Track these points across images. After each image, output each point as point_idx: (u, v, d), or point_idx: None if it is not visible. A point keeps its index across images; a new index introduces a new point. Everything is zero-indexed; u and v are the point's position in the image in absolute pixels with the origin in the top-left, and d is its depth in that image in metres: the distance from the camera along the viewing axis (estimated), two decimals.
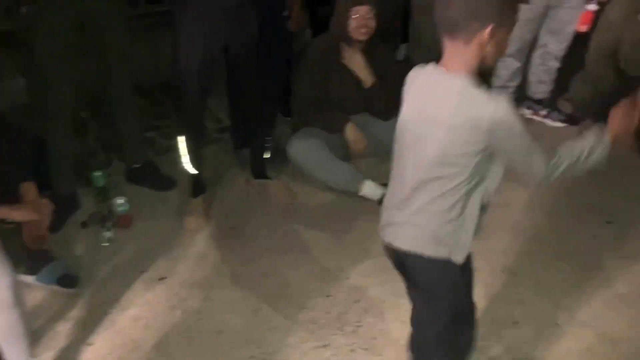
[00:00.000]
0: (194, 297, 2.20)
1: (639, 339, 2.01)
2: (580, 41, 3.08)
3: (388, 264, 2.31)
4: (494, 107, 1.24)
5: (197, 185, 2.61)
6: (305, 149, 2.65)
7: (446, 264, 1.42)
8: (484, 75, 1.34)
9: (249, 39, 2.35)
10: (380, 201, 2.61)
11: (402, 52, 3.78)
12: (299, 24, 2.87)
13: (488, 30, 1.23)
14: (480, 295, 2.17)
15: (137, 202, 2.67)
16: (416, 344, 1.66)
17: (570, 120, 3.32)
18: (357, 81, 2.74)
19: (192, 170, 2.56)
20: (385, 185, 2.65)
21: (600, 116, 3.21)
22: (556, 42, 3.16)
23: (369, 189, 2.64)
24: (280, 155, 2.90)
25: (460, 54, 1.26)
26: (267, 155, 2.79)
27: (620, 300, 2.18)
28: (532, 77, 3.34)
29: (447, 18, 1.26)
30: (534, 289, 2.22)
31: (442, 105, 1.29)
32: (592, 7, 2.95)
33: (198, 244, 2.47)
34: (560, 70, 3.28)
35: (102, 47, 2.45)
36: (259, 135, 2.73)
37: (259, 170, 2.76)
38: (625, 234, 2.51)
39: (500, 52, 1.30)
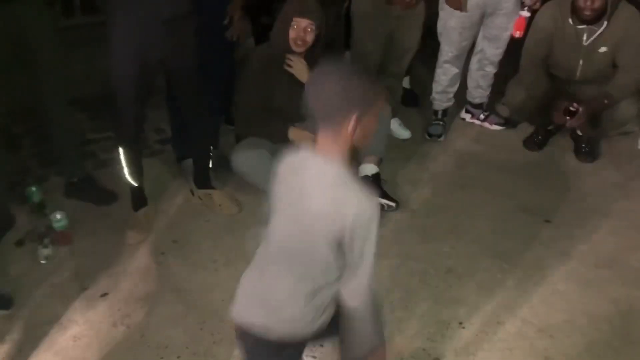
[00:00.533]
0: (137, 313, 2.15)
1: (577, 333, 2.09)
2: (516, 47, 3.19)
3: None
4: (358, 204, 1.28)
5: (138, 198, 2.56)
6: (249, 158, 2.64)
7: None
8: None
9: (187, 50, 2.32)
10: None
11: (346, 59, 3.82)
12: (239, 33, 2.86)
13: (353, 119, 1.29)
14: (425, 297, 2.23)
15: (77, 218, 2.59)
16: None
17: (508, 123, 3.43)
18: (301, 89, 2.74)
19: (132, 182, 2.50)
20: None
21: (534, 119, 3.35)
22: (492, 48, 3.26)
23: None
24: (225, 164, 2.87)
25: (332, 140, 1.32)
26: (210, 165, 2.75)
27: (558, 296, 2.25)
28: (470, 83, 3.43)
29: (316, 111, 1.32)
30: (476, 290, 2.28)
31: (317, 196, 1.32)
32: (525, 13, 3.05)
33: (140, 259, 2.42)
34: (497, 75, 3.39)
35: (32, 60, 2.37)
36: (202, 145, 2.69)
37: (203, 181, 2.72)
38: (562, 232, 2.60)
39: (368, 135, 1.36)
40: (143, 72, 2.25)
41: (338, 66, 1.36)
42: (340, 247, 1.31)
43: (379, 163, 2.79)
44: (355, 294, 1.36)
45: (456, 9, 3.02)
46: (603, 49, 2.91)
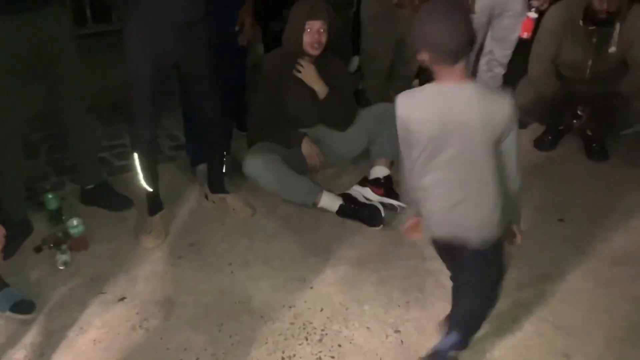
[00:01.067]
0: (156, 316, 2.16)
1: (595, 331, 2.08)
2: (524, 48, 3.20)
3: (350, 272, 2.36)
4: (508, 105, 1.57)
5: (154, 203, 2.58)
6: (260, 164, 2.66)
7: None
8: None
9: (201, 55, 2.35)
10: (339, 212, 2.64)
11: (354, 63, 3.86)
12: (250, 38, 2.89)
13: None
14: (440, 297, 2.23)
15: (93, 224, 2.62)
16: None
17: (521, 124, 3.43)
18: (312, 94, 2.77)
19: (147, 187, 2.53)
20: (343, 195, 2.70)
21: (545, 120, 3.35)
22: (501, 49, 3.28)
23: (327, 200, 2.67)
24: (238, 169, 2.89)
25: (461, 70, 1.57)
26: (224, 170, 2.77)
27: (575, 294, 2.25)
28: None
29: (450, 50, 1.54)
30: None
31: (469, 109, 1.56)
32: (533, 14, 3.07)
33: (157, 262, 2.44)
34: (506, 76, 3.40)
35: (53, 70, 2.40)
36: (215, 150, 2.72)
37: (217, 185, 2.74)
38: (576, 230, 2.60)
39: None
40: (158, 77, 2.28)
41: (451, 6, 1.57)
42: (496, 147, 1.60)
43: (390, 165, 2.81)
44: (517, 174, 1.69)
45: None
46: (612, 49, 2.92)
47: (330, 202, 2.66)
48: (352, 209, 2.65)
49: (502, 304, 2.17)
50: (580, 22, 2.91)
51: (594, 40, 2.92)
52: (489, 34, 3.25)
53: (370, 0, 3.03)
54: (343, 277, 2.35)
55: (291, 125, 2.79)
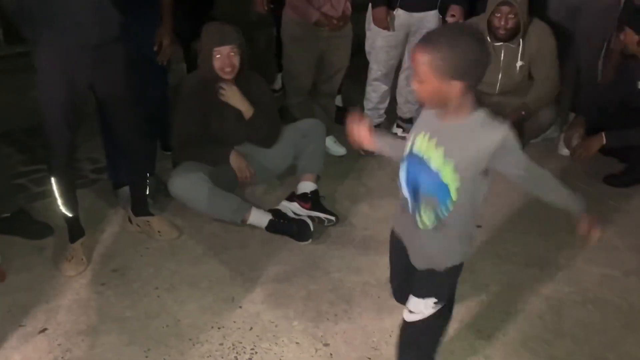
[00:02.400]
0: (79, 347, 2.10)
1: (512, 330, 2.19)
2: None
3: (278, 289, 2.38)
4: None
5: (74, 229, 2.51)
6: (187, 183, 2.64)
7: None
8: None
9: (116, 77, 2.31)
10: (268, 227, 2.66)
11: (279, 81, 3.90)
12: (168, 58, 2.87)
13: None
14: (367, 307, 2.28)
15: (10, 254, 2.51)
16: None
17: None
18: (236, 114, 2.78)
19: (67, 213, 2.46)
20: (272, 211, 2.72)
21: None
22: None
23: (256, 216, 2.68)
24: (162, 190, 2.86)
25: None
26: (147, 192, 2.73)
27: (492, 297, 2.36)
28: (400, 98, 3.57)
29: (479, 78, 1.49)
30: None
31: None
32: None
33: (80, 291, 2.37)
34: None
35: None
36: (138, 172, 2.67)
37: (140, 208, 2.70)
38: (493, 235, 2.73)
39: None
40: (72, 99, 2.23)
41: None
42: None
43: (316, 180, 2.86)
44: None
45: (383, 28, 3.15)
46: (520, 64, 3.11)
47: (259, 218, 2.67)
48: (281, 225, 2.68)
49: None
50: (488, 39, 3.08)
51: (502, 56, 3.10)
52: (407, 50, 3.37)
53: (290, 21, 3.08)
54: (272, 294, 2.37)
55: (216, 144, 2.79)
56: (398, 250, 1.77)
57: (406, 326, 1.75)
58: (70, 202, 2.45)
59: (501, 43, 3.07)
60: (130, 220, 2.73)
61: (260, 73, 2.98)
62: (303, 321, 2.23)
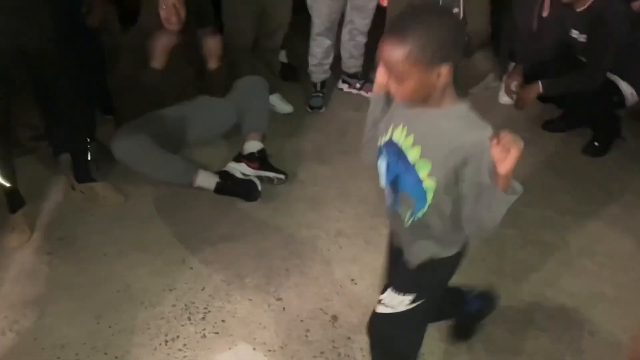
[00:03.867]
0: (28, 317, 2.07)
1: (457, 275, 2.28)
2: (384, 15, 3.33)
3: (229, 248, 2.39)
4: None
5: (14, 199, 2.43)
6: (131, 145, 2.57)
7: None
8: None
9: (43, 38, 2.21)
10: (216, 189, 2.64)
11: None
12: (100, 19, 2.75)
13: None
14: (318, 261, 2.33)
15: None
16: None
17: None
18: (180, 65, 2.72)
19: (4, 183, 2.37)
20: (219, 173, 2.70)
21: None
22: (361, 19, 3.39)
23: (204, 178, 2.65)
24: (105, 155, 2.79)
25: None
26: (89, 158, 2.66)
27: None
28: (344, 53, 3.55)
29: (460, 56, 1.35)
30: (365, 247, 2.42)
31: None
32: None
33: (25, 262, 2.31)
34: (368, 45, 3.52)
35: None
36: (78, 138, 2.60)
37: (83, 175, 2.63)
38: None
39: None
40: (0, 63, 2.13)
41: None
42: None
43: (262, 139, 2.84)
44: None
45: None
46: (455, 10, 3.13)
47: (207, 180, 2.65)
48: (230, 186, 2.66)
49: (375, 261, 2.33)
50: None
51: (440, 2, 3.10)
52: (349, 3, 3.34)
53: None
54: (222, 254, 2.38)
55: (162, 100, 2.72)
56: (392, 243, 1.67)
57: (374, 317, 1.62)
58: (7, 171, 2.37)
59: None
60: (73, 187, 2.67)
61: (200, 29, 2.90)
62: (255, 278, 2.26)
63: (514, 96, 3.16)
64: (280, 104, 3.41)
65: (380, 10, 3.35)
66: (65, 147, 2.73)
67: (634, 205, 2.66)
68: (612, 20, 2.80)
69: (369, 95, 3.58)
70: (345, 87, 3.64)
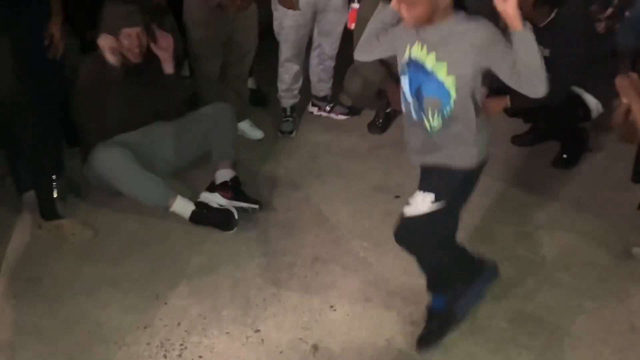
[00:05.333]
0: None
1: None
2: (351, 38, 3.34)
3: (204, 280, 2.34)
4: None
5: None
6: (113, 156, 2.50)
7: None
8: None
9: (4, 72, 2.16)
10: (191, 218, 2.59)
11: (186, 68, 3.78)
12: (61, 51, 2.70)
13: None
14: (295, 289, 2.29)
15: None
16: None
17: (352, 111, 3.61)
18: (139, 94, 2.69)
19: None
20: (195, 203, 2.64)
21: (374, 104, 3.52)
22: (328, 43, 3.41)
23: (181, 204, 2.60)
24: (73, 190, 2.73)
25: None
26: (55, 194, 2.58)
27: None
28: (313, 77, 3.56)
29: None
30: (343, 272, 2.39)
31: None
32: (355, 5, 3.23)
33: None
34: (336, 68, 3.54)
35: None
36: (43, 174, 2.53)
37: (50, 211, 2.56)
38: None
39: None
40: None
41: None
42: None
43: (234, 167, 2.81)
44: None
45: (289, 8, 3.11)
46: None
47: (183, 206, 2.59)
48: (206, 215, 2.61)
49: (353, 285, 2.31)
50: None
51: None
52: (316, 29, 3.35)
53: (192, 4, 2.98)
54: (197, 287, 2.32)
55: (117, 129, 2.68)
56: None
57: (404, 221, 1.85)
58: None
59: None
60: (40, 226, 2.59)
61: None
62: (232, 310, 2.21)
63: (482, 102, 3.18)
64: (251, 130, 3.39)
65: (347, 34, 3.37)
66: (30, 185, 2.65)
67: (605, 217, 2.68)
68: (572, 35, 2.86)
69: (338, 117, 3.60)
70: (315, 110, 3.64)
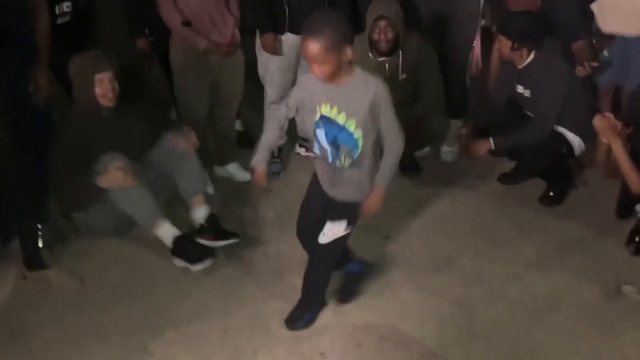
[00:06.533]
0: None
1: (427, 338, 2.24)
2: None
3: (193, 329, 2.29)
4: None
5: None
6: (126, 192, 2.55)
7: None
8: None
9: None
10: (172, 249, 2.59)
11: (173, 112, 3.79)
12: (45, 97, 2.69)
13: None
14: (286, 335, 2.26)
15: None
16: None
17: None
18: (120, 139, 2.69)
19: None
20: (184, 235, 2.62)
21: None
22: None
23: (166, 230, 2.61)
24: (59, 238, 2.69)
25: None
26: (41, 244, 2.54)
27: (406, 307, 2.40)
28: (298, 118, 3.56)
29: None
30: (334, 316, 2.36)
31: None
32: None
33: None
34: None
35: None
36: (27, 223, 2.49)
37: (35, 261, 2.51)
38: (401, 244, 2.79)
39: None
40: None
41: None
42: None
43: (206, 200, 2.79)
44: None
45: (272, 54, 3.15)
46: (403, 76, 3.20)
47: (167, 232, 2.61)
48: (184, 248, 2.60)
49: (345, 329, 2.28)
50: (370, 55, 3.16)
51: (387, 70, 3.17)
52: (299, 70, 3.38)
53: (178, 49, 3.00)
54: (186, 336, 2.27)
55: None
56: (316, 194, 2.23)
57: (319, 247, 2.18)
58: None
59: (384, 58, 3.16)
60: (24, 276, 2.53)
61: (155, 103, 2.90)
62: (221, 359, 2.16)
63: (462, 144, 3.21)
64: (239, 172, 3.38)
65: None
66: (14, 233, 2.60)
67: (594, 253, 2.69)
68: (551, 75, 2.92)
69: None
70: (302, 151, 3.64)
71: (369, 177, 2.10)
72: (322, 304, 2.37)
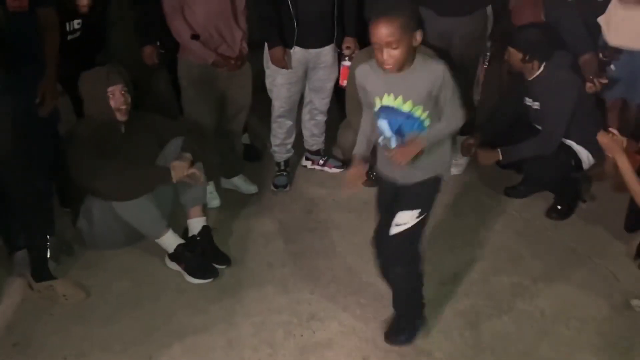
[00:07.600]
0: None
1: (435, 352, 2.22)
2: (344, 94, 3.40)
3: (197, 340, 2.29)
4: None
5: None
6: (134, 204, 2.57)
7: None
8: None
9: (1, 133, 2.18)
10: (172, 256, 2.61)
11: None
12: (50, 110, 2.71)
13: None
14: (291, 348, 2.25)
15: None
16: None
17: (345, 164, 3.62)
18: (138, 153, 2.72)
19: None
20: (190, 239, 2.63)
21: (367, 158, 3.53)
22: (319, 99, 3.45)
23: (169, 239, 2.62)
24: (65, 250, 2.70)
25: None
26: (48, 255, 2.55)
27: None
28: (305, 132, 3.59)
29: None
30: (339, 330, 2.35)
31: None
32: (347, 63, 3.29)
33: None
34: (328, 122, 3.58)
35: None
36: (35, 234, 2.51)
37: (41, 272, 2.51)
38: None
39: None
40: None
41: None
42: None
43: (205, 211, 2.79)
44: None
45: (281, 67, 3.18)
46: None
47: (170, 241, 2.63)
48: (184, 255, 2.62)
49: (350, 342, 2.26)
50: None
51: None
52: (307, 85, 3.41)
53: (187, 63, 3.03)
54: (191, 347, 2.27)
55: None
56: (384, 189, 2.24)
57: (391, 239, 2.12)
58: None
59: None
60: (31, 287, 2.54)
61: (162, 117, 2.91)
62: None
63: (470, 154, 3.21)
64: (245, 185, 3.39)
65: (341, 89, 3.41)
66: (21, 245, 2.62)
67: (602, 267, 2.67)
68: (560, 88, 2.92)
69: (332, 171, 3.62)
70: (308, 164, 3.66)
71: (445, 152, 2.12)
72: (422, 318, 2.31)
